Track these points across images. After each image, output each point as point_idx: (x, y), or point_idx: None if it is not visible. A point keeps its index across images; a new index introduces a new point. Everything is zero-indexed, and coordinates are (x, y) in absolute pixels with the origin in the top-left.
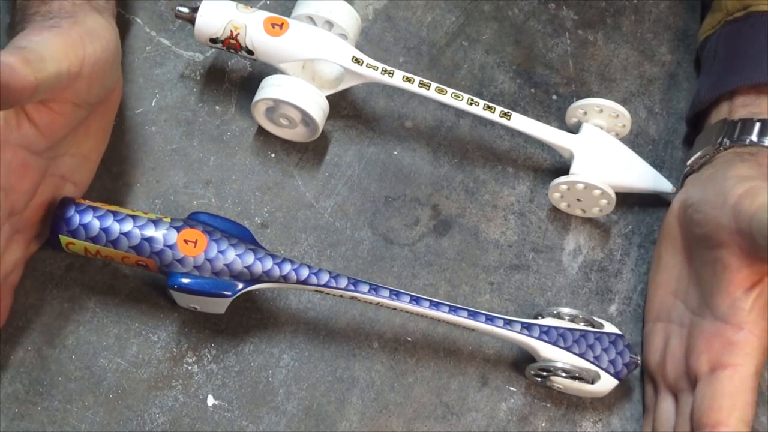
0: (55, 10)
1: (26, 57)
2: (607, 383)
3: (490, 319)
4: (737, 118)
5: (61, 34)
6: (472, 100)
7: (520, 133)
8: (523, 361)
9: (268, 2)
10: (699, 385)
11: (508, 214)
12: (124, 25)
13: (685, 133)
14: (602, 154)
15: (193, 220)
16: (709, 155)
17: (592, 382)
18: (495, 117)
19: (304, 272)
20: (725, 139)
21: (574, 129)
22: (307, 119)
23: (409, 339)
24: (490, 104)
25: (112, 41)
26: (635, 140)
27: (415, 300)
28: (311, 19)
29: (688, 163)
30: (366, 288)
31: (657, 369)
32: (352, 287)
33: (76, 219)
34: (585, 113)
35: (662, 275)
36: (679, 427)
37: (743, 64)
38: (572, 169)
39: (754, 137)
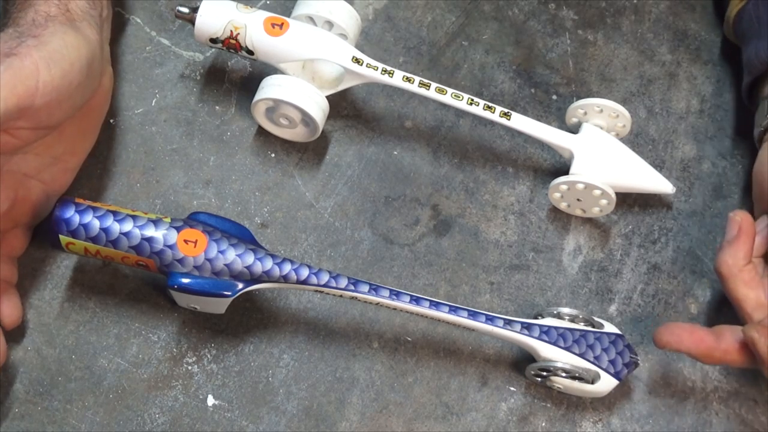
0: (27, 22)
1: None
2: (607, 383)
3: (490, 319)
4: None
5: (12, 66)
6: (472, 100)
7: (520, 133)
8: (523, 361)
9: (268, 2)
10: None
11: (508, 214)
12: (124, 25)
13: (735, 107)
14: (602, 154)
15: (193, 220)
16: None
17: (592, 382)
18: (495, 117)
19: (304, 272)
20: None
21: (574, 129)
22: (307, 119)
23: (409, 339)
24: (490, 104)
25: (80, 61)
26: (635, 140)
27: (415, 300)
28: (311, 19)
29: (764, 124)
30: (366, 288)
31: None
32: (352, 287)
33: (76, 219)
34: (585, 113)
35: None
36: None
37: None
38: (572, 169)
39: None
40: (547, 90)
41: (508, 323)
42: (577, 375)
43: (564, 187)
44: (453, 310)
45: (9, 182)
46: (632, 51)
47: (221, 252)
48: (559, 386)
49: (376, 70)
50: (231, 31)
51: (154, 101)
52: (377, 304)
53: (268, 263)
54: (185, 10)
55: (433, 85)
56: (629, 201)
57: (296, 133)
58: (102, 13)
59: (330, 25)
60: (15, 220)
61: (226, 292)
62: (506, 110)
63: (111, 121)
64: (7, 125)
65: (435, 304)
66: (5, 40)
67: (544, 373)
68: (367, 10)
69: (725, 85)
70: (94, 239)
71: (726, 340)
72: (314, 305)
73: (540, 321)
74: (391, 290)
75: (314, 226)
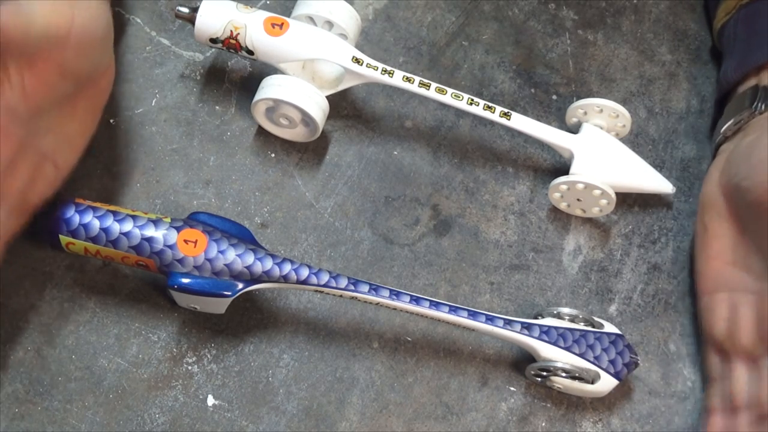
0: None
1: (15, 10)
2: (607, 383)
3: (490, 319)
4: None
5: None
6: (472, 100)
7: (520, 133)
8: (523, 361)
9: (268, 2)
10: None
11: (508, 214)
12: (124, 25)
13: (710, 120)
14: (602, 154)
15: (193, 220)
16: (744, 121)
17: (592, 382)
18: (495, 117)
19: (304, 272)
20: (761, 104)
21: (574, 129)
22: (307, 119)
23: (409, 339)
24: (490, 104)
25: (102, 17)
26: (635, 140)
27: (415, 300)
28: (311, 19)
29: (722, 130)
30: (366, 288)
31: (727, 338)
32: (352, 287)
33: (76, 219)
34: (585, 113)
35: (713, 246)
36: (763, 392)
37: (766, 40)
38: (572, 169)
39: None
40: (547, 90)
41: (508, 323)
42: (577, 375)
43: (564, 187)
44: (453, 310)
45: (29, 163)
46: (632, 51)
47: (221, 252)
48: (559, 386)
49: (376, 70)
50: (231, 31)
51: (154, 101)
52: (377, 304)
53: (268, 263)
54: (185, 10)
55: (433, 85)
56: (629, 201)
57: (296, 133)
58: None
59: (330, 25)
60: (23, 204)
61: (226, 292)
62: (506, 110)
63: (111, 121)
64: (43, 55)
65: (435, 304)
66: None
67: (544, 373)
68: (367, 10)
69: None
70: (94, 239)
71: None
72: (314, 305)
73: (540, 321)
74: (391, 290)
75: (314, 226)
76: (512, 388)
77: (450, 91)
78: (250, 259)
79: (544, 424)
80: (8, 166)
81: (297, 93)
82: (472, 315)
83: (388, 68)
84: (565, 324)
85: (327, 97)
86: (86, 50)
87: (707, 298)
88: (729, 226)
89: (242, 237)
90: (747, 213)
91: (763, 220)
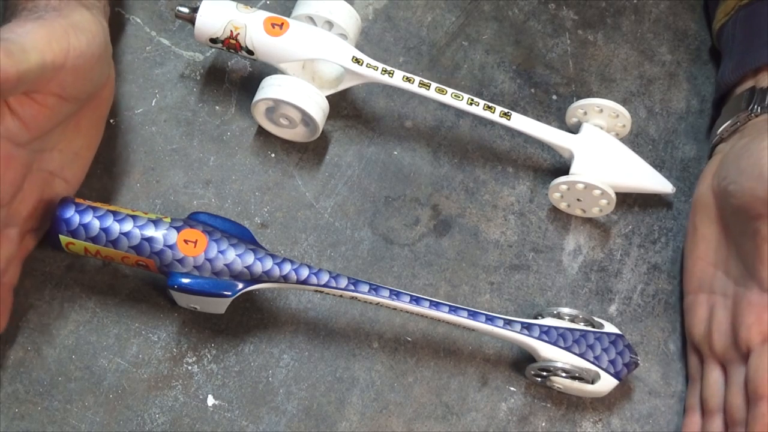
0: (41, 6)
1: (8, 48)
2: (607, 383)
3: (490, 319)
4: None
5: (44, 26)
6: (472, 100)
7: (520, 133)
8: (523, 361)
9: (268, 2)
10: (752, 357)
11: (508, 214)
12: (124, 25)
13: (708, 122)
14: (602, 154)
15: (193, 220)
16: (741, 123)
17: (592, 382)
18: (495, 117)
19: (304, 272)
20: (757, 106)
21: (574, 129)
22: (307, 119)
23: (409, 339)
24: (490, 104)
25: (99, 36)
26: (635, 140)
27: (415, 300)
28: (311, 19)
29: (718, 131)
30: (366, 288)
31: (703, 340)
32: (352, 287)
33: (76, 219)
34: (585, 113)
35: (700, 246)
36: (731, 397)
37: (765, 42)
38: (572, 169)
39: None
40: (547, 90)
41: (508, 323)
42: (577, 375)
43: (564, 187)
44: (453, 310)
45: (37, 181)
46: (632, 51)
47: (221, 252)
48: (559, 386)
49: (376, 70)
50: (231, 31)
51: (154, 101)
52: (377, 304)
53: (268, 263)
54: (185, 10)
55: (433, 85)
56: (629, 201)
57: (296, 133)
58: (105, 9)
59: (330, 25)
60: (38, 222)
61: (226, 292)
62: (506, 110)
63: (111, 121)
64: (40, 86)
65: (435, 304)
66: (25, 17)
67: (544, 373)
68: (367, 10)
69: None
70: (94, 239)
71: None
72: (314, 305)
73: (540, 321)
74: (391, 290)
75: (314, 226)
76: (512, 388)
77: (450, 91)
78: (250, 259)
79: (544, 424)
80: (16, 190)
81: (297, 93)
82: (472, 315)
83: (388, 68)
84: (565, 324)
85: (327, 97)
86: (85, 72)
87: (691, 297)
88: (716, 228)
89: (242, 237)
90: (732, 216)
91: (745, 225)
